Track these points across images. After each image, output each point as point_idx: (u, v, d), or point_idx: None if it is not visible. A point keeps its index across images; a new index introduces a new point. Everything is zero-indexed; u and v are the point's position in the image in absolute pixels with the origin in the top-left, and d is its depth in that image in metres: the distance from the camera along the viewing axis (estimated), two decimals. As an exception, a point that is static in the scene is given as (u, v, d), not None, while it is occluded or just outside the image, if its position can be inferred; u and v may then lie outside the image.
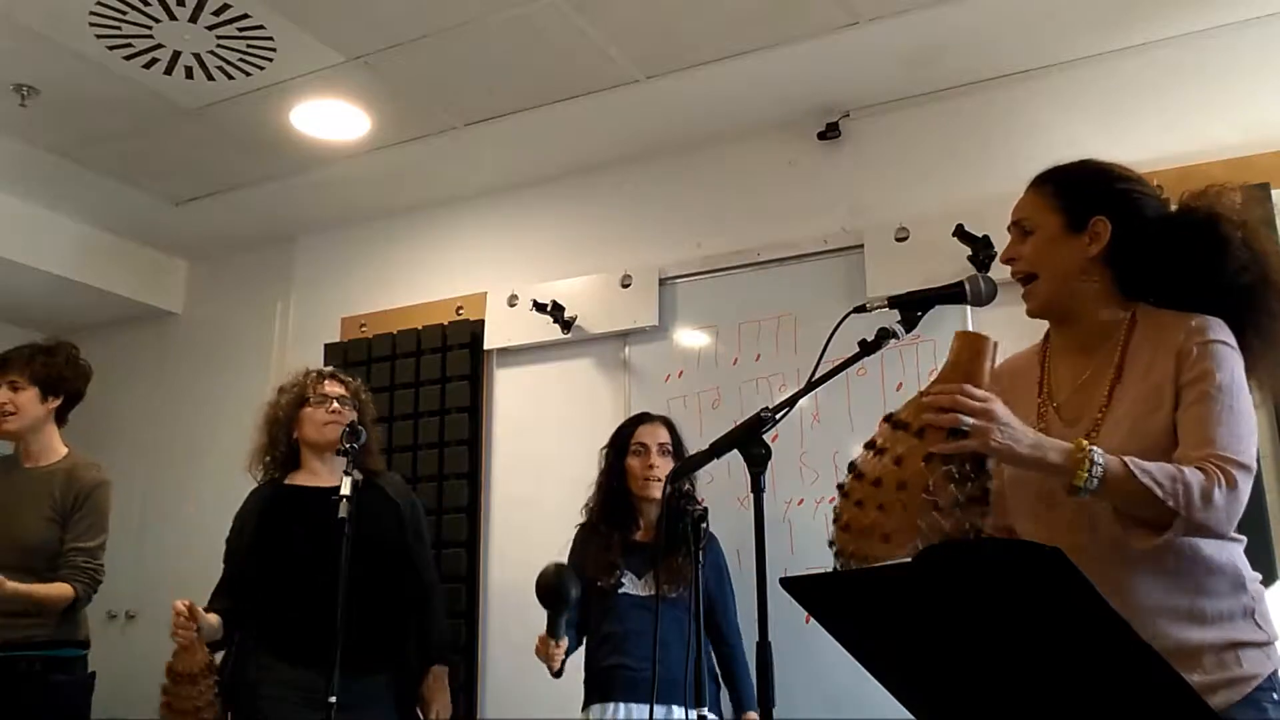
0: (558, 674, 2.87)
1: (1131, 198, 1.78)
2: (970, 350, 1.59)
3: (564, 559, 3.19)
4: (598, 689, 2.97)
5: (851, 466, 1.61)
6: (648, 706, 2.77)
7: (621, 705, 2.90)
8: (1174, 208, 1.82)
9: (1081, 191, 1.79)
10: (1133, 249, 1.74)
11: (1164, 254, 1.74)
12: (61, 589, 3.09)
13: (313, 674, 2.77)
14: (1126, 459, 1.48)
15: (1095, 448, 1.48)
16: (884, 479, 1.54)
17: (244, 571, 3.05)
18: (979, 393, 1.51)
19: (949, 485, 1.50)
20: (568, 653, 2.88)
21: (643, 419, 3.20)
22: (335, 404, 3.17)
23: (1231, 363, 1.62)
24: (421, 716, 3.13)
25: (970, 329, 1.57)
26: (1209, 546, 1.60)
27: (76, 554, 3.14)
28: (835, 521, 1.62)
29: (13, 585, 2.94)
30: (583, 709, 2.99)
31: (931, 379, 1.62)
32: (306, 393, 3.21)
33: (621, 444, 3.14)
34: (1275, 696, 1.57)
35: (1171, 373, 1.63)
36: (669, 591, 2.90)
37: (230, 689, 2.96)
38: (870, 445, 1.61)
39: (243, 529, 3.14)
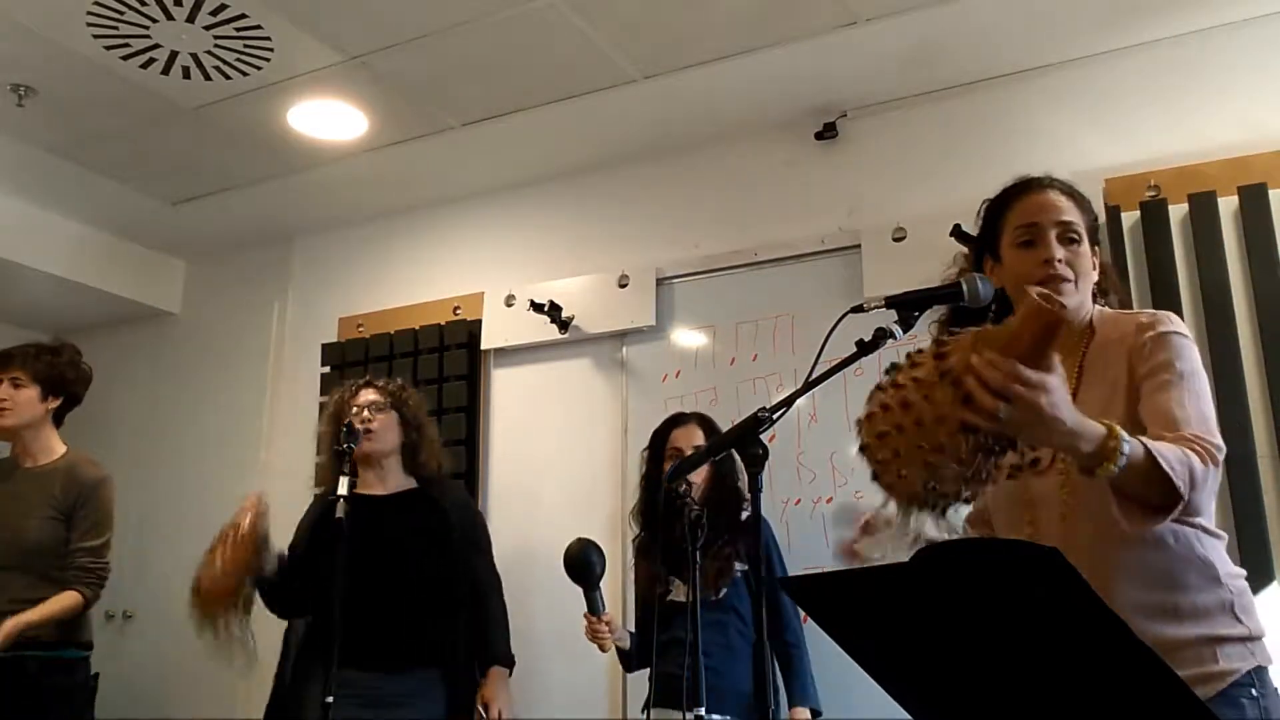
0: (628, 668, 2.97)
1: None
2: (1039, 327, 1.37)
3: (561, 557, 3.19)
4: (655, 694, 2.95)
5: (895, 367, 1.48)
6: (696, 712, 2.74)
7: (674, 712, 2.86)
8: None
9: (1090, 208, 1.84)
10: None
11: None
12: (69, 599, 3.08)
13: (360, 674, 2.83)
14: (1146, 443, 1.44)
15: (1124, 435, 1.42)
16: (915, 404, 1.42)
17: (299, 576, 3.04)
18: (1033, 378, 1.35)
19: (974, 456, 1.41)
20: (636, 667, 2.95)
21: (677, 421, 3.16)
22: (366, 413, 3.13)
23: (1188, 351, 1.63)
24: (483, 715, 3.13)
25: (1045, 294, 1.35)
26: (1185, 542, 1.60)
27: (81, 554, 3.14)
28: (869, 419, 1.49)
29: (13, 622, 2.94)
30: (642, 709, 3.01)
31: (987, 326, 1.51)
32: (344, 406, 3.19)
33: (658, 448, 3.12)
34: (1254, 693, 1.55)
35: (1124, 371, 1.65)
36: (709, 595, 2.85)
37: (285, 689, 3.05)
38: (914, 355, 1.48)
39: (296, 536, 3.17)
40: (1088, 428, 1.41)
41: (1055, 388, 1.36)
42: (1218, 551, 1.64)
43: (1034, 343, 1.36)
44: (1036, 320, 1.36)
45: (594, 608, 2.76)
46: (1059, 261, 1.73)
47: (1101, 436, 1.41)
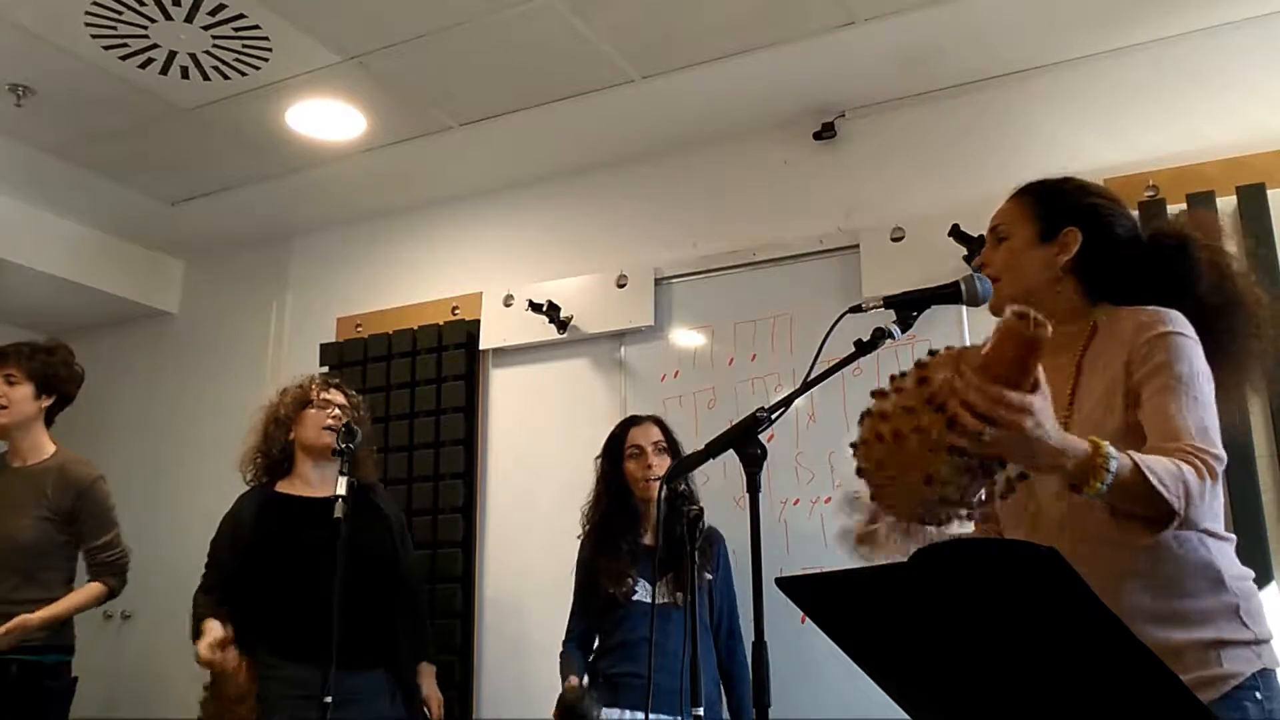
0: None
1: (1104, 213, 1.81)
2: (1017, 346, 1.35)
3: (560, 557, 3.19)
4: (605, 692, 2.93)
5: (882, 393, 1.48)
6: (655, 714, 2.75)
7: (628, 711, 2.88)
8: (1153, 226, 1.87)
9: (1056, 202, 1.82)
10: (1102, 262, 1.77)
11: (1134, 271, 1.77)
12: (95, 589, 3.19)
13: (313, 671, 2.79)
14: (1135, 458, 1.43)
15: (1111, 451, 1.41)
16: (905, 436, 1.42)
17: (237, 575, 3.06)
18: (1014, 400, 1.34)
19: (962, 477, 1.42)
20: (582, 669, 2.95)
21: (632, 421, 3.20)
22: (336, 410, 3.18)
23: (1189, 352, 1.60)
24: (426, 710, 3.20)
25: (1022, 312, 1.33)
26: (1189, 547, 1.59)
27: (97, 553, 3.23)
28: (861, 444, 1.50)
29: (39, 615, 2.99)
30: None
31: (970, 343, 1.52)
32: (310, 395, 3.23)
33: (616, 450, 3.13)
34: (1258, 695, 1.54)
35: (1121, 374, 1.64)
36: (681, 601, 2.88)
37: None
38: (897, 379, 1.48)
39: (235, 533, 3.14)
40: (1072, 446, 1.40)
41: (1038, 409, 1.35)
42: (1224, 554, 1.62)
43: (1013, 361, 1.35)
44: (1011, 339, 1.35)
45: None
46: (981, 265, 1.82)
47: (1087, 454, 1.40)
